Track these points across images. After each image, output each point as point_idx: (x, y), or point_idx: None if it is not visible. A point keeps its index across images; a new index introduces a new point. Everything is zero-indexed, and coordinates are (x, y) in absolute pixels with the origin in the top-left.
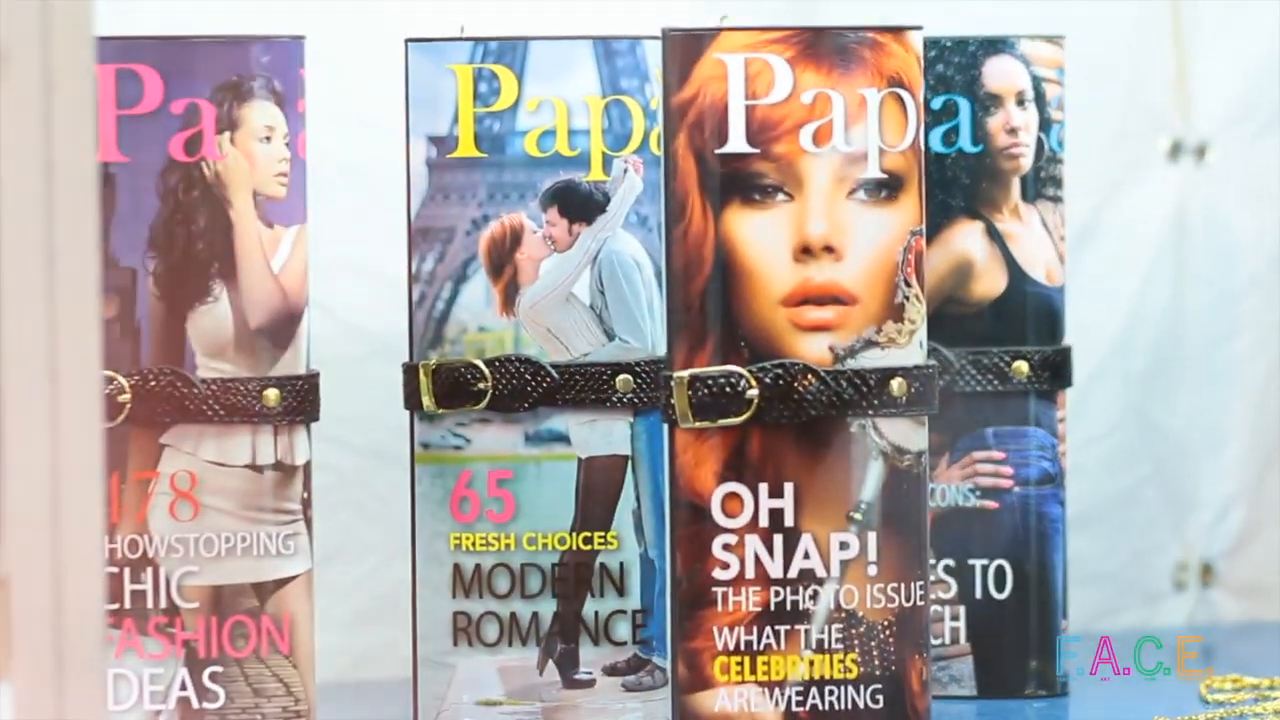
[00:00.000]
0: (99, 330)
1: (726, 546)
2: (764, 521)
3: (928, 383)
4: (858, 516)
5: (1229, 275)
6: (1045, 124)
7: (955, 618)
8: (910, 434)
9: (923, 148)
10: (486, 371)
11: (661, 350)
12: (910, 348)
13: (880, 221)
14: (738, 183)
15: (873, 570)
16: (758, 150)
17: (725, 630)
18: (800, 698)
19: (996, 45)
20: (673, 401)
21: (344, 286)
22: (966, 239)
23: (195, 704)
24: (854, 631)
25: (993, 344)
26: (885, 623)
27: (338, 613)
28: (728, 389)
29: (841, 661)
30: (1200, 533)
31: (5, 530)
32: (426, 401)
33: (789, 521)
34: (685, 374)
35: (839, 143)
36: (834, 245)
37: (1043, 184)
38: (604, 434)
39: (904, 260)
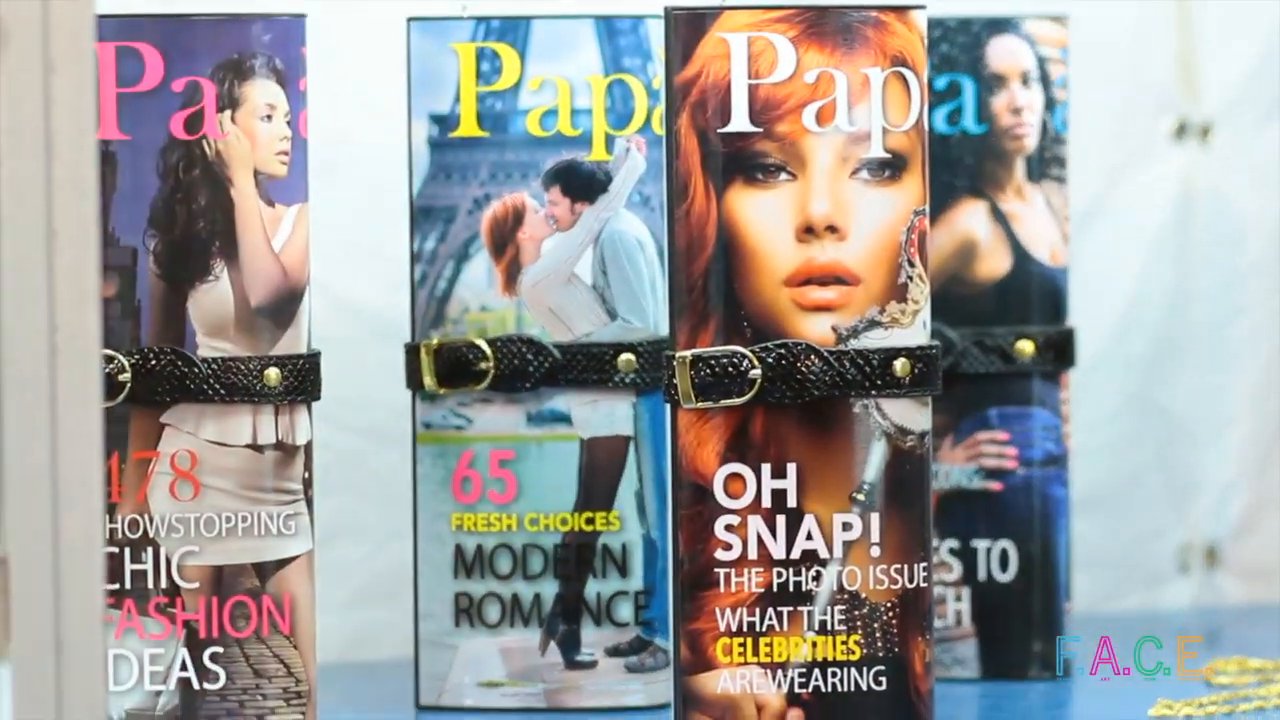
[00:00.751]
0: (99, 309)
1: (729, 527)
2: (767, 502)
3: (931, 363)
4: (861, 497)
5: (1233, 257)
6: (1050, 104)
7: (959, 599)
8: (914, 415)
9: (926, 127)
10: (488, 351)
11: (664, 330)
12: (914, 328)
13: (884, 201)
14: (740, 162)
15: (876, 551)
16: (761, 129)
17: (728, 611)
18: (803, 679)
19: (1001, 25)
20: (675, 382)
21: (345, 266)
22: (970, 219)
23: (196, 684)
24: (857, 613)
25: (996, 325)
26: (888, 604)
27: (339, 593)
28: (730, 369)
29: (844, 643)
30: (1204, 515)
31: (5, 510)
32: (428, 381)
33: (792, 502)
34: (688, 354)
35: (842, 122)
36: (837, 225)
37: (1047, 164)
38: (606, 414)
39: (907, 240)
